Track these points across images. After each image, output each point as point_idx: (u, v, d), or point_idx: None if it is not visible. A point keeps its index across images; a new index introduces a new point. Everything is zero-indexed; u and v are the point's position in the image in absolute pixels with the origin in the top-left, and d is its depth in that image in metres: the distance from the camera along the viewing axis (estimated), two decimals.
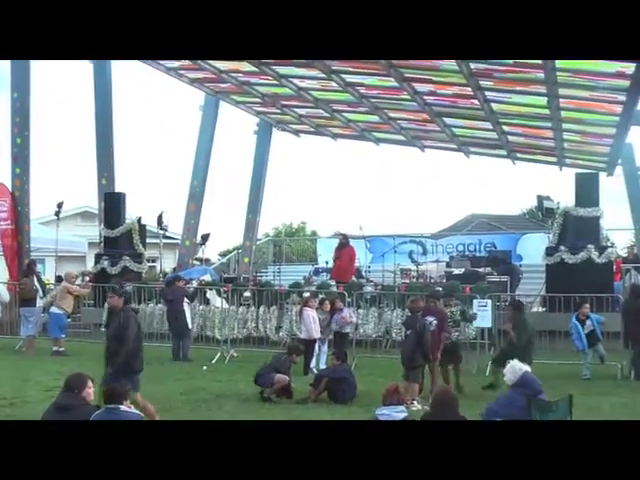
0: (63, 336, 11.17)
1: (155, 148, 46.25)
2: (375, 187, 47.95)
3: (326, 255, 15.97)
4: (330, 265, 14.44)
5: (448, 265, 14.54)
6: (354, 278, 13.64)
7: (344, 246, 13.54)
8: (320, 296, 11.41)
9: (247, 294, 12.56)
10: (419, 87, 12.56)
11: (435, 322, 7.79)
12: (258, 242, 19.95)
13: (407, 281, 13.71)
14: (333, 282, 13.48)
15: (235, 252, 19.29)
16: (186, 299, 11.23)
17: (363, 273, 15.24)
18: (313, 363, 9.66)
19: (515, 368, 5.25)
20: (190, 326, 11.12)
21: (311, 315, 9.75)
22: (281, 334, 12.00)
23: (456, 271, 13.44)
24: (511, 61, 9.97)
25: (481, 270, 13.28)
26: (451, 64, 10.67)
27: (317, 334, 9.75)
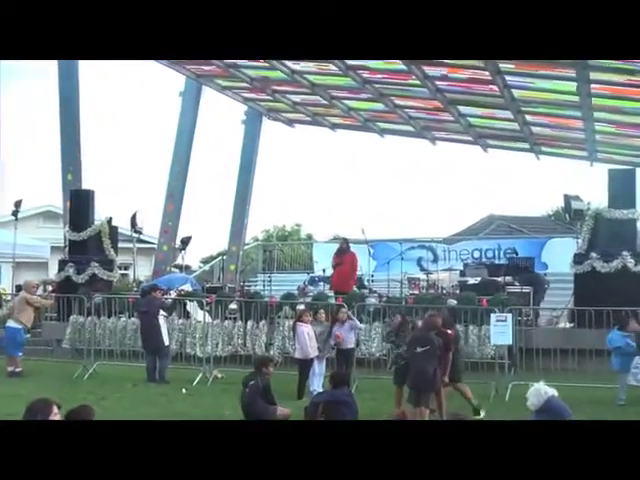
0: (20, 354, 11.10)
1: (129, 139, 46.41)
2: (379, 185, 48.21)
3: (323, 262, 15.98)
4: (328, 273, 14.48)
5: (462, 274, 14.57)
6: (355, 288, 13.71)
7: (345, 252, 13.60)
8: (311, 309, 11.47)
9: (233, 306, 12.58)
10: (430, 71, 12.33)
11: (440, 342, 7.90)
12: (246, 247, 20.00)
13: (416, 292, 13.70)
14: (331, 293, 13.52)
15: (219, 258, 19.39)
16: (162, 311, 11.21)
17: (365, 283, 15.26)
18: (314, 385, 9.60)
19: (540, 392, 5.20)
20: (167, 342, 11.12)
21: (306, 331, 9.72)
22: (272, 352, 12.00)
23: (471, 280, 13.52)
24: None
25: (500, 280, 13.33)
26: None
27: (314, 352, 9.71)
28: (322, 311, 10.16)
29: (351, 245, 14.11)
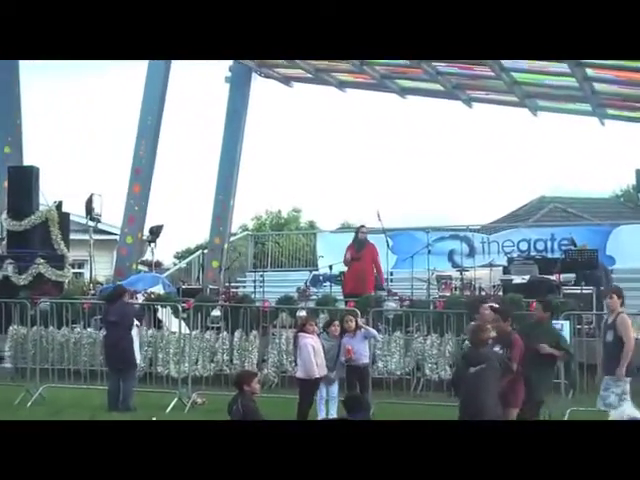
0: None
1: (82, 105, 46.40)
2: (399, 160, 48.20)
3: (330, 257, 16.01)
4: (336, 271, 14.50)
5: (506, 271, 14.61)
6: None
7: (364, 244, 13.59)
8: (322, 315, 11.47)
9: (216, 313, 12.65)
10: None
11: (501, 352, 7.74)
12: (232, 239, 20.00)
13: (447, 294, 13.72)
14: (340, 295, 13.56)
15: (199, 253, 19.38)
16: (136, 321, 11.24)
17: (383, 282, 15.14)
18: (322, 413, 9.59)
19: (623, 416, 5.33)
20: (138, 360, 11.13)
21: (310, 344, 9.62)
22: (265, 371, 12.03)
23: (517, 279, 13.52)
24: None
25: (554, 278, 13.33)
26: None
27: (320, 371, 9.64)
28: (336, 323, 10.03)
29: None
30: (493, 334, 7.76)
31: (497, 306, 8.76)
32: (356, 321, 10.11)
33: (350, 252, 13.60)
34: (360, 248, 13.55)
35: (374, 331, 10.44)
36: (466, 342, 9.19)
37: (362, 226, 14.30)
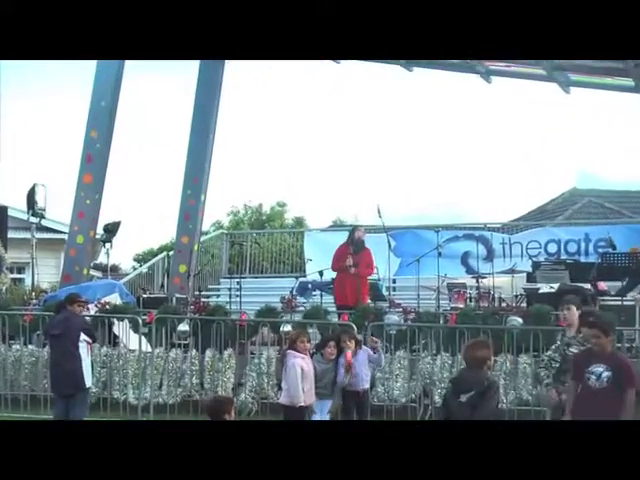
0: None
1: (28, 81, 46.35)
2: (403, 144, 48.09)
3: (320, 260, 16.02)
4: (328, 277, 14.55)
5: (531, 277, 14.66)
6: (368, 300, 13.87)
7: (361, 245, 13.78)
8: (310, 329, 11.46)
9: (184, 327, 12.70)
10: None
11: (608, 375, 7.25)
12: (203, 238, 20.06)
13: (460, 305, 13.74)
14: (332, 307, 13.58)
15: (163, 256, 19.49)
16: (85, 336, 11.11)
17: (383, 291, 15.30)
18: None
19: None
20: (89, 383, 10.97)
21: (299, 365, 9.57)
22: (243, 397, 12.04)
23: (545, 288, 13.59)
24: None
25: (589, 287, 13.33)
26: None
27: (307, 398, 9.62)
28: (332, 344, 9.98)
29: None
30: (489, 357, 7.41)
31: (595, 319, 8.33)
32: (356, 339, 10.15)
33: (342, 256, 13.71)
34: (357, 250, 13.72)
35: (378, 355, 10.29)
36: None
37: (359, 226, 14.42)
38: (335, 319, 12.99)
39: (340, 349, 9.99)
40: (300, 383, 9.52)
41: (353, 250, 13.68)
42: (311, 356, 9.86)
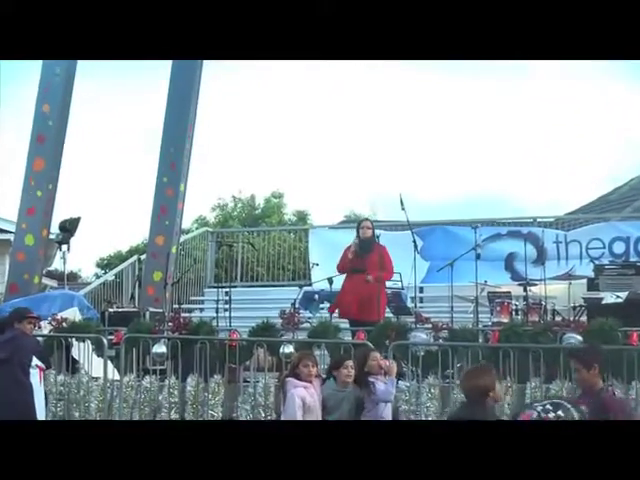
0: None
1: None
2: (428, 121, 47.99)
3: (328, 264, 16.12)
4: (338, 285, 14.62)
5: (592, 285, 14.74)
6: (390, 314, 14.07)
7: (370, 245, 13.91)
8: (317, 351, 11.65)
9: (160, 349, 12.83)
10: None
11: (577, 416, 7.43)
12: (184, 238, 20.24)
13: (504, 319, 13.77)
14: (345, 322, 13.69)
15: (134, 260, 19.70)
16: (37, 360, 11.14)
17: (408, 302, 15.40)
18: None
19: None
20: (42, 417, 11.08)
21: (299, 396, 9.63)
22: None
23: (609, 298, 13.62)
24: None
25: None
26: None
27: None
28: (350, 364, 10.05)
29: (379, 232, 14.54)
30: (493, 386, 7.58)
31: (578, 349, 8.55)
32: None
33: (347, 258, 13.89)
34: (363, 252, 13.86)
35: (385, 387, 10.14)
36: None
37: (365, 219, 14.69)
38: (348, 337, 13.04)
39: (364, 372, 10.04)
40: (300, 418, 9.52)
41: (358, 251, 13.83)
42: (323, 382, 9.97)
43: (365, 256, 13.84)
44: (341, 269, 14.15)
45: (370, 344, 11.61)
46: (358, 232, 14.22)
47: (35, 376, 10.91)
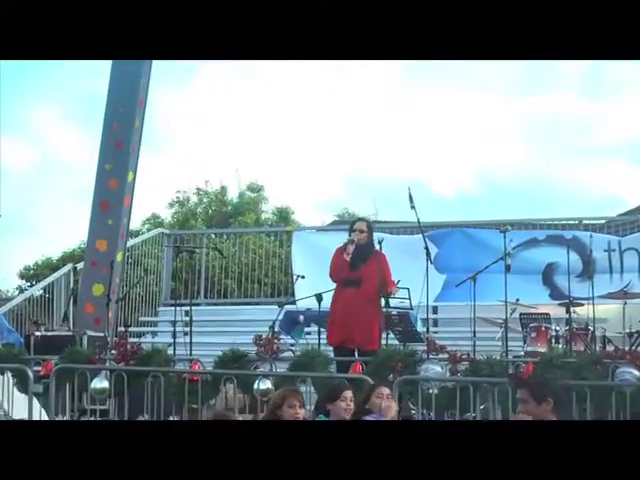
0: None
1: None
2: (442, 102, 47.98)
3: (316, 275, 16.38)
4: (327, 303, 14.57)
5: None
6: (395, 340, 14.09)
7: (367, 252, 14.09)
8: (302, 387, 12.01)
9: (101, 384, 12.89)
10: None
11: None
12: (132, 242, 20.65)
13: (541, 349, 13.83)
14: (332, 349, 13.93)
15: (67, 269, 19.87)
16: None
17: (418, 326, 15.22)
18: None
19: None
20: None
21: None
22: None
23: None
24: None
25: None
26: None
27: None
28: (349, 395, 10.28)
29: (379, 236, 14.59)
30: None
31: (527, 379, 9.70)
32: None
33: (338, 267, 13.99)
34: (359, 261, 13.91)
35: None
36: None
37: (360, 220, 15.00)
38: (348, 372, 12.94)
39: (363, 409, 10.25)
40: None
41: (352, 260, 13.90)
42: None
43: (360, 266, 13.87)
44: (336, 276, 14.11)
45: (369, 379, 11.58)
46: (351, 233, 14.28)
47: None
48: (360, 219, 15.32)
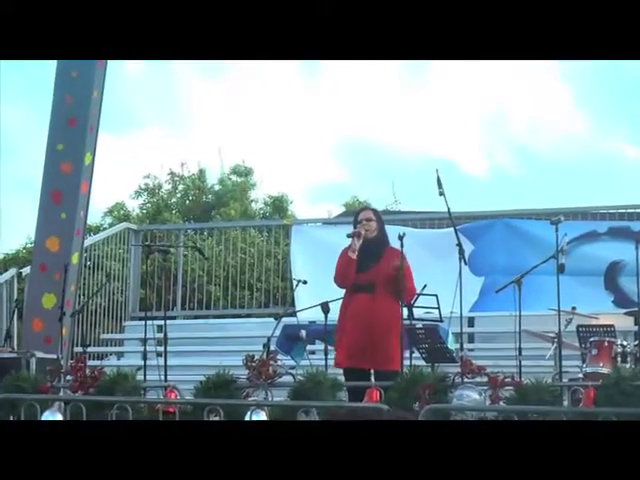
0: None
1: None
2: (464, 70, 48.11)
3: (321, 281, 16.39)
4: (335, 316, 14.64)
5: None
6: (421, 360, 14.05)
7: (376, 249, 14.13)
8: (303, 417, 12.15)
9: (53, 418, 12.91)
10: None
11: None
12: (91, 240, 21.25)
13: (603, 370, 13.70)
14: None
15: (10, 275, 20.13)
16: None
17: (450, 342, 15.24)
18: None
19: None
20: None
21: None
22: None
23: None
24: None
25: None
26: None
27: None
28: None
29: (399, 230, 14.65)
30: None
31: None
32: None
33: (346, 265, 14.01)
34: (369, 259, 13.97)
35: None
36: None
37: (365, 209, 15.56)
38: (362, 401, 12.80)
39: None
40: None
41: (361, 259, 13.96)
42: None
43: (371, 266, 13.85)
44: (342, 280, 14.09)
45: (388, 408, 11.51)
46: (355, 225, 14.34)
47: None
48: (365, 208, 15.75)
